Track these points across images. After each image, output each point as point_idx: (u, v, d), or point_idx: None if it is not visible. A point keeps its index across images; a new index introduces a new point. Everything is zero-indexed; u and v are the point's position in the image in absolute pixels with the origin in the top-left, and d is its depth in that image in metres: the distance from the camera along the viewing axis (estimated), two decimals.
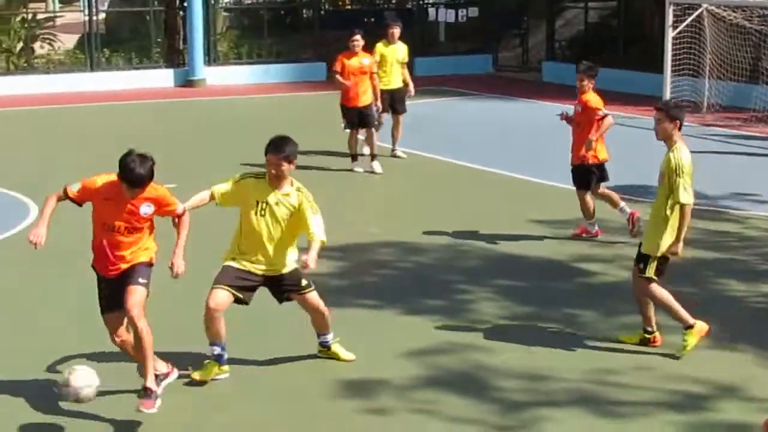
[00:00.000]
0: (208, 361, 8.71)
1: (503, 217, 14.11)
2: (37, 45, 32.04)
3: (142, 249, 8.17)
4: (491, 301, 11.09)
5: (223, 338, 8.60)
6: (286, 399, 8.68)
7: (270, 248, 8.59)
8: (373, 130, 17.38)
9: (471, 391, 8.76)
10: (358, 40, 17.11)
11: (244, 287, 8.63)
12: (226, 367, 8.76)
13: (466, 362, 9.41)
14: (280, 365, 9.27)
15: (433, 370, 9.23)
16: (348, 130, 17.43)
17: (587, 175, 12.92)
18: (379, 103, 17.43)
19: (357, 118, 17.28)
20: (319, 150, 18.48)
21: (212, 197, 8.73)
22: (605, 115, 12.79)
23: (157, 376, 8.07)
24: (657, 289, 9.30)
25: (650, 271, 9.25)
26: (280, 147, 8.46)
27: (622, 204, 13.07)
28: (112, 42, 31.40)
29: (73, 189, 8.10)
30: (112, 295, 8.16)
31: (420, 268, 12.49)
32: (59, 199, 8.18)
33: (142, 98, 27.26)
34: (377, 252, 13.07)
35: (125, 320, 8.16)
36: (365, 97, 17.20)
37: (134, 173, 7.73)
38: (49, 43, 32.26)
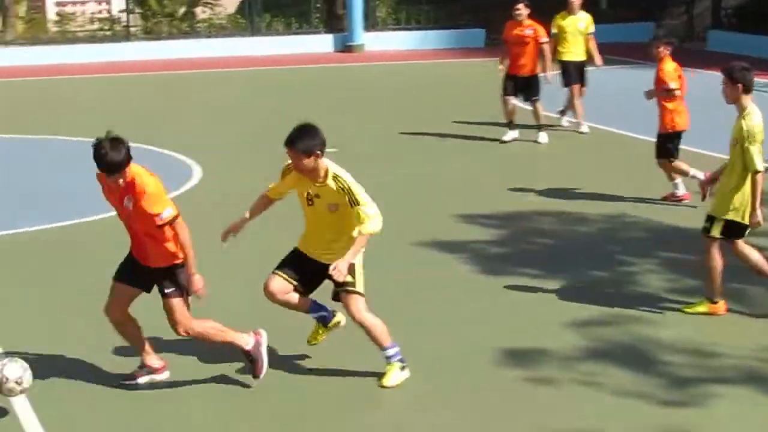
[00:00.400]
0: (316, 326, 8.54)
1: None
2: (198, 10, 32.72)
3: (161, 248, 7.86)
4: (656, 273, 10.88)
5: (308, 306, 8.35)
6: (449, 368, 8.64)
7: (325, 236, 8.14)
8: (538, 100, 17.24)
9: (637, 364, 8.58)
10: (520, 10, 17.02)
11: (300, 273, 8.22)
12: (336, 319, 8.49)
13: (630, 335, 9.25)
14: (440, 335, 9.26)
15: (598, 341, 9.11)
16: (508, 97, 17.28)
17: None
18: (548, 74, 17.30)
19: (517, 87, 17.20)
20: (478, 119, 18.46)
21: (268, 195, 8.43)
22: (673, 89, 13.05)
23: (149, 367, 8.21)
24: (715, 252, 9.27)
25: (715, 231, 9.22)
26: (295, 141, 7.82)
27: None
28: (272, 7, 31.86)
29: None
30: (131, 272, 8.05)
31: (583, 237, 12.37)
32: None
33: (301, 63, 27.59)
34: (538, 221, 12.98)
35: (126, 304, 8.10)
36: (528, 67, 17.14)
37: (104, 159, 7.46)
38: (211, 8, 32.86)
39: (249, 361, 8.07)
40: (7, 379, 7.40)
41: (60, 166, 16.20)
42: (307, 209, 8.12)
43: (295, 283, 8.17)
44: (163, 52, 28.63)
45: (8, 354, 8.14)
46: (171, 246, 7.80)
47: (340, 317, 8.47)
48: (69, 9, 32.75)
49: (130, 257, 8.06)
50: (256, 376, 8.01)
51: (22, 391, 7.51)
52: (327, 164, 7.93)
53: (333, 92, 23.42)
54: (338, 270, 7.72)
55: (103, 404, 8.00)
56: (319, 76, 26.30)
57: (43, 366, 8.24)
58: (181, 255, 7.80)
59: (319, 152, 7.81)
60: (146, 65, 27.42)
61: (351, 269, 7.90)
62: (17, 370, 7.46)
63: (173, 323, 7.88)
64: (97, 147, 7.45)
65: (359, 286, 8.05)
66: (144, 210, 7.60)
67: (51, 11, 32.51)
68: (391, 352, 8.15)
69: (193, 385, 8.25)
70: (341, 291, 8.06)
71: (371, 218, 7.81)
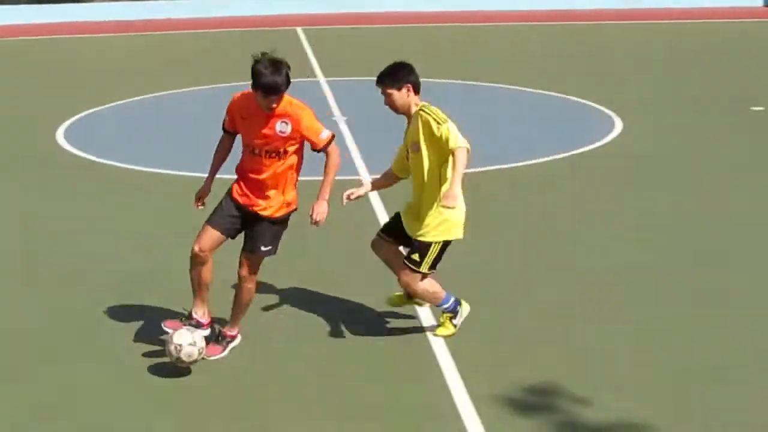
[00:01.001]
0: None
1: None
2: None
3: (279, 194, 7.70)
4: None
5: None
6: None
7: (417, 195, 7.96)
8: None
9: None
10: None
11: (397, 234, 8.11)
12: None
13: None
14: None
15: None
16: None
17: None
18: None
19: None
20: None
21: (392, 170, 8.43)
22: None
23: (226, 336, 7.98)
24: None
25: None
26: (384, 76, 7.83)
27: None
28: None
29: (224, 119, 7.85)
30: (230, 218, 7.76)
31: None
32: (223, 136, 7.95)
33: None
34: None
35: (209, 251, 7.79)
36: None
37: (266, 78, 7.27)
38: None
39: (219, 335, 8.00)
40: (180, 346, 7.40)
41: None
42: (411, 162, 7.91)
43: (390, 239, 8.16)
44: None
45: None
46: (293, 188, 7.77)
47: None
48: None
49: (226, 203, 7.79)
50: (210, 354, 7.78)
51: (200, 352, 7.47)
52: (420, 101, 7.79)
53: None
54: (449, 198, 7.46)
55: None
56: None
57: None
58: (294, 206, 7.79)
59: (410, 85, 7.74)
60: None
61: (422, 247, 7.76)
62: (186, 336, 7.47)
63: (245, 273, 7.75)
64: (261, 69, 7.28)
65: (425, 266, 7.81)
66: (305, 131, 7.55)
67: None
68: (443, 306, 8.05)
69: None
70: (404, 259, 7.90)
71: (452, 135, 7.46)
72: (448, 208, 7.50)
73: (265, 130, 7.49)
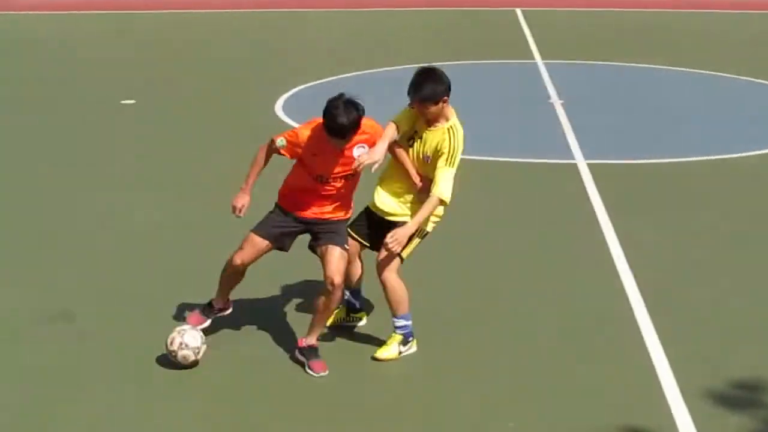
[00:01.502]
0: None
1: None
2: None
3: (345, 201, 7.74)
4: None
5: (354, 287, 8.11)
6: None
7: (399, 185, 7.78)
8: None
9: None
10: None
11: (368, 231, 7.95)
12: (359, 315, 8.29)
13: None
14: None
15: None
16: None
17: None
18: None
19: None
20: None
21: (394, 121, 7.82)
22: None
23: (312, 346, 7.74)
24: None
25: None
26: (418, 89, 7.43)
27: None
28: None
29: (279, 144, 7.65)
30: (284, 229, 7.76)
31: None
32: (270, 152, 7.78)
33: None
34: None
35: (253, 257, 7.76)
36: None
37: (332, 122, 7.23)
38: None
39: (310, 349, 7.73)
40: (185, 345, 7.52)
41: None
42: (404, 148, 7.67)
43: (365, 243, 7.91)
44: None
45: None
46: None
47: (363, 316, 8.30)
48: None
49: (277, 216, 7.80)
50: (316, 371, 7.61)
51: (195, 358, 7.54)
52: (452, 115, 7.58)
53: None
54: (398, 238, 7.37)
55: None
56: None
57: None
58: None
59: (446, 98, 7.44)
60: None
61: (411, 237, 7.55)
62: (195, 340, 7.56)
63: (334, 271, 7.50)
64: (333, 110, 7.26)
65: (406, 252, 7.63)
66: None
67: None
68: (400, 323, 7.73)
69: None
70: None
71: (445, 183, 7.36)
72: (389, 248, 7.41)
73: (342, 161, 7.48)
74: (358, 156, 7.35)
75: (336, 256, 7.49)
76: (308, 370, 7.48)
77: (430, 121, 7.51)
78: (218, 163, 12.90)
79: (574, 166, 12.52)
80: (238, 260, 7.67)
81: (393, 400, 7.21)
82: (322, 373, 7.45)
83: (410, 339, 7.78)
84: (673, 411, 6.80)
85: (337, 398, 7.16)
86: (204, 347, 7.54)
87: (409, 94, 7.44)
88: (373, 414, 7.00)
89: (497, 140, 14.00)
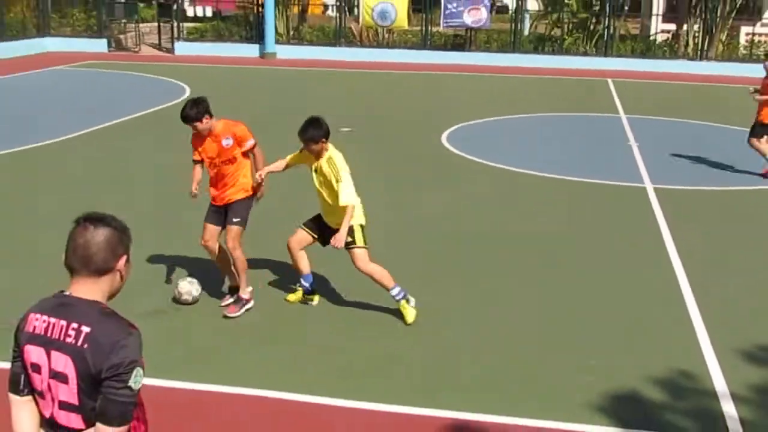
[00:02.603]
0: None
1: None
2: None
3: (238, 183, 7.41)
4: None
5: (305, 273, 7.60)
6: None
7: (326, 202, 7.31)
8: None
9: None
10: None
11: (318, 230, 7.50)
12: (313, 297, 7.79)
13: None
14: None
15: None
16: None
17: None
18: None
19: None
20: None
21: (287, 162, 7.69)
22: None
23: (241, 298, 7.51)
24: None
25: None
26: (304, 131, 7.15)
27: None
28: None
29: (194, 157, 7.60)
30: (213, 215, 7.53)
31: None
32: (195, 163, 7.64)
33: None
34: None
35: (215, 237, 7.52)
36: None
37: (182, 112, 7.28)
38: None
39: (235, 299, 7.61)
40: (180, 293, 7.54)
41: None
42: (314, 181, 7.36)
43: (314, 236, 7.52)
44: None
45: None
46: (247, 177, 7.49)
47: (316, 299, 7.81)
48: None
49: (210, 207, 7.60)
50: (230, 313, 7.47)
51: (193, 300, 7.56)
52: (329, 148, 7.22)
53: None
54: (337, 241, 7.08)
55: None
56: None
57: None
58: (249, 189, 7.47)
59: (324, 140, 7.16)
60: None
61: (350, 231, 7.15)
62: (186, 286, 7.56)
63: (228, 242, 7.41)
64: (184, 106, 7.35)
65: (359, 242, 7.24)
66: (242, 141, 7.40)
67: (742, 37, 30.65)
68: (395, 291, 7.31)
69: None
70: (347, 250, 7.23)
71: (344, 193, 7.01)
72: (337, 248, 7.15)
73: (219, 149, 7.35)
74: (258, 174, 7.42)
75: (232, 233, 7.38)
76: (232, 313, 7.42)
77: (317, 156, 7.22)
78: (399, 173, 13.23)
79: (643, 189, 12.43)
80: (202, 242, 7.57)
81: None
82: (236, 314, 7.39)
83: (408, 296, 7.39)
84: (708, 365, 6.71)
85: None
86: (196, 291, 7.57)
87: (299, 136, 7.20)
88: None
89: (586, 167, 13.96)
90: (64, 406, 2.89)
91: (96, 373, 2.81)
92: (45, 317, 2.90)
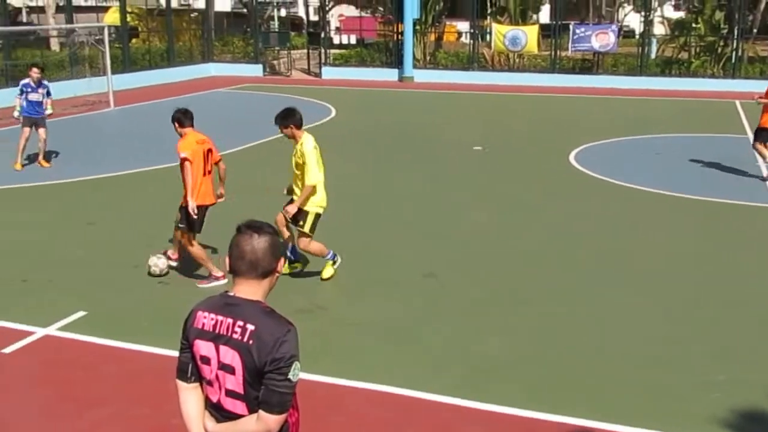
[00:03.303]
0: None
1: None
2: None
3: (185, 190, 8.02)
4: None
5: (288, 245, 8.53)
6: None
7: (296, 181, 8.18)
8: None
9: None
10: None
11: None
12: (296, 265, 8.66)
13: None
14: None
15: None
16: None
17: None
18: None
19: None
20: None
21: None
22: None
23: (210, 274, 8.28)
24: None
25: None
26: (277, 118, 7.99)
27: None
28: None
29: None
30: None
31: None
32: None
33: None
34: None
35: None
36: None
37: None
38: None
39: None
40: (149, 266, 8.43)
41: None
42: (291, 159, 8.15)
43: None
44: None
45: None
46: (189, 187, 7.99)
47: (299, 265, 8.69)
48: None
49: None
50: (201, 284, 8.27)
51: (160, 272, 8.40)
52: (303, 135, 7.99)
53: None
54: (287, 210, 8.04)
55: None
56: None
57: None
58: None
59: (292, 126, 7.93)
60: None
61: (303, 216, 8.03)
62: (153, 259, 8.44)
63: (176, 240, 8.56)
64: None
65: (307, 228, 8.07)
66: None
67: None
68: (327, 256, 8.32)
69: None
70: (296, 227, 8.18)
71: (308, 174, 7.86)
72: (288, 213, 8.05)
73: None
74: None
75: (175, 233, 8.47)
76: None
77: (293, 141, 8.02)
78: (528, 189, 13.05)
79: None
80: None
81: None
82: (205, 285, 8.17)
83: (335, 258, 8.36)
84: None
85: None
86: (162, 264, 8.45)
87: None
88: None
89: (714, 186, 13.36)
90: (231, 394, 3.02)
91: (260, 367, 2.92)
92: (213, 315, 3.02)
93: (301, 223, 8.04)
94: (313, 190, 7.95)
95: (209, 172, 8.14)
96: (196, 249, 8.24)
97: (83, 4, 38.92)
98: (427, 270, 8.81)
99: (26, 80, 14.64)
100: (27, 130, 14.49)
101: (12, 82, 21.79)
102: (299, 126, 7.98)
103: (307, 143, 7.92)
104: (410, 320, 7.44)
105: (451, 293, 8.14)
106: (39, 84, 14.52)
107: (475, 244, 9.93)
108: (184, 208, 8.08)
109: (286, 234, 8.45)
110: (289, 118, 7.92)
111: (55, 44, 29.51)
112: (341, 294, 8.20)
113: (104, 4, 38.35)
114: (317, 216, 8.09)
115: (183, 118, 8.08)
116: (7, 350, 6.67)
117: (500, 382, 6.23)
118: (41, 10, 34.81)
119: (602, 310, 7.80)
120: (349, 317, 7.52)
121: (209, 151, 8.12)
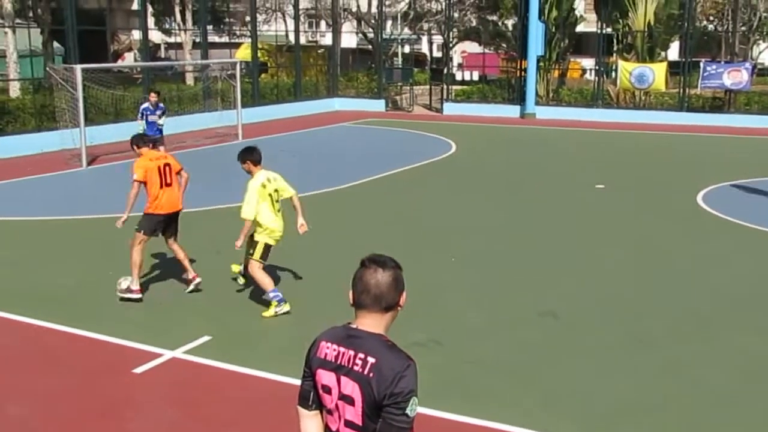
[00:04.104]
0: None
1: None
2: None
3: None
4: None
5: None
6: None
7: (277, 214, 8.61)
8: None
9: None
10: None
11: None
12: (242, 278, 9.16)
13: None
14: None
15: None
16: None
17: None
18: None
19: None
20: None
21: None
22: None
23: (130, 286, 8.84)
24: None
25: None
26: (239, 154, 8.41)
27: None
28: None
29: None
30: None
31: None
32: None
33: None
34: None
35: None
36: None
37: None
38: None
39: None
40: (119, 284, 8.92)
41: None
42: None
43: None
44: None
45: None
46: (149, 198, 8.92)
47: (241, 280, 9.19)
48: None
49: None
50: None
51: (123, 291, 8.83)
52: (257, 172, 8.33)
53: None
54: (236, 244, 8.26)
55: None
56: None
57: None
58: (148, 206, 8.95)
59: (249, 162, 8.32)
60: None
61: (254, 245, 8.38)
62: (122, 281, 8.92)
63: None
64: None
65: (256, 256, 8.39)
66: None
67: None
68: (270, 295, 8.36)
69: None
70: (248, 255, 8.57)
71: (243, 209, 8.21)
72: (236, 246, 8.28)
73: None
74: None
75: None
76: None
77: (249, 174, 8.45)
78: (653, 229, 12.64)
79: None
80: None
81: None
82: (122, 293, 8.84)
83: (282, 302, 8.36)
84: None
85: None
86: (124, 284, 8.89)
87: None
88: None
89: None
90: (349, 424, 3.05)
91: (379, 400, 2.93)
92: (335, 346, 3.06)
93: (251, 251, 8.51)
94: (253, 224, 8.36)
95: (168, 184, 8.97)
96: (136, 253, 8.86)
97: (217, 40, 40.78)
98: (548, 308, 8.68)
99: (145, 104, 16.59)
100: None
101: None
102: (255, 163, 8.41)
103: (255, 180, 8.35)
104: (529, 359, 7.34)
105: (573, 333, 7.97)
106: (156, 107, 16.22)
107: (599, 284, 9.74)
108: (145, 215, 9.00)
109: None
110: (246, 155, 8.40)
111: (190, 78, 31.00)
112: (461, 329, 8.12)
113: (237, 40, 40.04)
114: (267, 246, 8.48)
115: (140, 141, 9.23)
116: (138, 370, 6.99)
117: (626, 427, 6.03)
118: (179, 46, 36.66)
119: (739, 357, 7.45)
120: (468, 354, 7.46)
121: (166, 165, 9.01)
